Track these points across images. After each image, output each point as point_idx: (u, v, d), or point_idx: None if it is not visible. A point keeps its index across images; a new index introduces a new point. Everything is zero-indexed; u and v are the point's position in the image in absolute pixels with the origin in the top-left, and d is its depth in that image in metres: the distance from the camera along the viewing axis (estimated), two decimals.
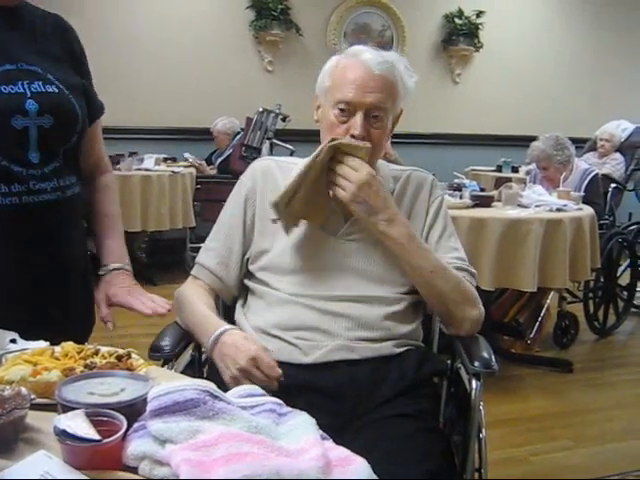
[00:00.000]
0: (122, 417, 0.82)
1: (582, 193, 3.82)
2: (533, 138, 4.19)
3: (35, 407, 0.90)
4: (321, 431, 0.91)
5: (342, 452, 0.87)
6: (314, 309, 1.41)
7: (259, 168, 1.58)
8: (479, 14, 6.56)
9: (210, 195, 5.04)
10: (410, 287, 1.47)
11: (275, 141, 4.83)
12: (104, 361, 1.05)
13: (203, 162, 5.73)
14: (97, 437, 0.78)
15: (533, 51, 6.93)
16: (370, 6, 6.45)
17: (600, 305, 4.17)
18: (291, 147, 4.65)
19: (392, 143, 3.41)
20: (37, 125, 1.29)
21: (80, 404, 0.85)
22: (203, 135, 5.82)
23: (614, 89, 7.08)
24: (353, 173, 1.36)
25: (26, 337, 1.15)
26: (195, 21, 5.95)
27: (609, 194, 4.71)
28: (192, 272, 1.57)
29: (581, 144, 5.25)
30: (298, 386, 1.30)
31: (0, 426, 0.82)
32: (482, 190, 3.76)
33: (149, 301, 1.39)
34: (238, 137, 5.53)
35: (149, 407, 0.85)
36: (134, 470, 0.81)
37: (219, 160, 5.72)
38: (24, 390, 0.88)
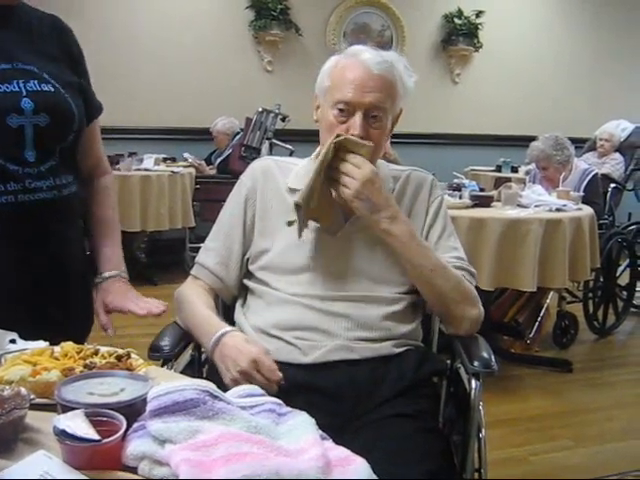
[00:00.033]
0: (122, 417, 0.82)
1: (581, 193, 3.82)
2: (533, 138, 4.19)
3: (34, 407, 0.90)
4: (321, 431, 0.91)
5: (342, 452, 0.87)
6: (314, 309, 1.41)
7: (259, 168, 1.58)
8: (479, 14, 6.56)
9: (209, 195, 5.04)
10: (409, 287, 1.47)
11: (274, 141, 4.83)
12: (104, 361, 1.05)
13: (202, 162, 5.74)
14: (96, 437, 0.78)
15: (533, 51, 6.93)
16: (369, 6, 6.46)
17: (599, 305, 4.17)
18: (291, 147, 4.65)
19: (392, 143, 3.42)
20: (33, 124, 1.29)
21: (80, 404, 0.85)
22: (203, 135, 5.83)
23: (614, 89, 7.09)
24: (356, 170, 1.37)
25: (26, 337, 1.15)
26: (195, 21, 5.95)
27: (608, 194, 4.71)
28: (192, 272, 1.57)
29: (581, 144, 5.25)
30: (297, 386, 1.30)
31: (0, 426, 0.82)
32: (482, 190, 3.76)
33: (144, 303, 1.39)
34: (238, 137, 5.53)
35: (149, 407, 0.85)
36: (134, 470, 0.81)
37: (218, 160, 5.72)
38: (24, 390, 0.88)
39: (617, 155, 5.21)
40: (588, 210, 3.50)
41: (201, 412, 0.85)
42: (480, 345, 1.44)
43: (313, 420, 0.93)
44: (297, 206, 1.38)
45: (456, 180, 3.89)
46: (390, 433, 1.27)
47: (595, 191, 4.02)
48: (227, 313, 1.57)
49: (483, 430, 1.39)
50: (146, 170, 4.90)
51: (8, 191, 1.27)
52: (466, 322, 1.48)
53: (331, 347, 1.37)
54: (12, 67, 1.29)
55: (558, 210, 3.31)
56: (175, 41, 5.88)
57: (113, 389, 0.91)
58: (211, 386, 0.90)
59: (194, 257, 1.60)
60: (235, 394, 0.97)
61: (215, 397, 0.88)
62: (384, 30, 6.53)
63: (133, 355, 1.10)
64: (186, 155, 5.70)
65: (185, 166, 5.45)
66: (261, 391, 1.01)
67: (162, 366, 1.35)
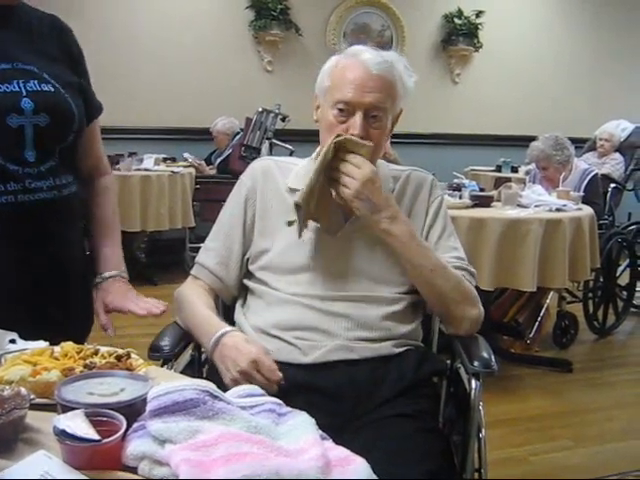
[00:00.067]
0: (121, 417, 0.82)
1: (581, 193, 3.82)
2: (532, 138, 4.19)
3: (35, 407, 0.90)
4: (320, 431, 0.91)
5: (342, 452, 0.87)
6: (314, 309, 1.41)
7: (259, 168, 1.58)
8: (478, 14, 6.56)
9: (209, 195, 5.04)
10: (409, 287, 1.47)
11: (274, 141, 4.83)
12: (103, 361, 1.05)
13: (202, 162, 5.73)
14: (96, 437, 0.78)
15: (533, 51, 6.93)
16: (369, 6, 6.46)
17: (599, 305, 4.17)
18: (290, 147, 4.65)
19: (392, 143, 3.42)
20: (33, 124, 1.29)
21: (79, 404, 0.85)
22: (203, 135, 5.83)
23: (614, 89, 7.09)
24: (356, 170, 1.37)
25: (26, 337, 1.15)
26: (195, 21, 5.95)
27: (608, 194, 4.71)
28: (192, 272, 1.57)
29: (580, 144, 5.25)
30: (297, 386, 1.30)
31: (0, 426, 0.82)
32: (482, 190, 3.76)
33: (144, 303, 1.39)
34: (238, 137, 5.53)
35: (149, 407, 0.85)
36: (134, 470, 0.81)
37: (218, 160, 5.72)
38: (24, 390, 0.88)
39: (617, 155, 5.21)
40: (588, 210, 3.50)
41: (201, 412, 0.85)
42: (480, 345, 1.44)
43: (313, 420, 0.93)
44: (297, 206, 1.38)
45: (456, 180, 3.89)
46: (390, 433, 1.27)
47: (595, 191, 4.02)
48: (227, 313, 1.57)
49: (483, 430, 1.39)
50: (146, 170, 4.90)
51: (8, 191, 1.27)
52: (466, 322, 1.48)
53: (331, 347, 1.37)
54: (12, 67, 1.29)
55: (558, 210, 3.31)
56: (175, 41, 5.89)
57: (113, 389, 0.91)
58: (211, 386, 0.90)
59: (194, 257, 1.60)
60: (235, 394, 0.97)
61: (215, 397, 0.88)
62: (384, 30, 6.53)
63: (133, 355, 1.10)
64: (186, 155, 5.70)
65: (185, 166, 5.45)
66: (261, 391, 1.01)
67: (162, 366, 1.35)
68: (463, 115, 6.73)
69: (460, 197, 3.47)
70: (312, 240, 1.46)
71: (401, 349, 1.42)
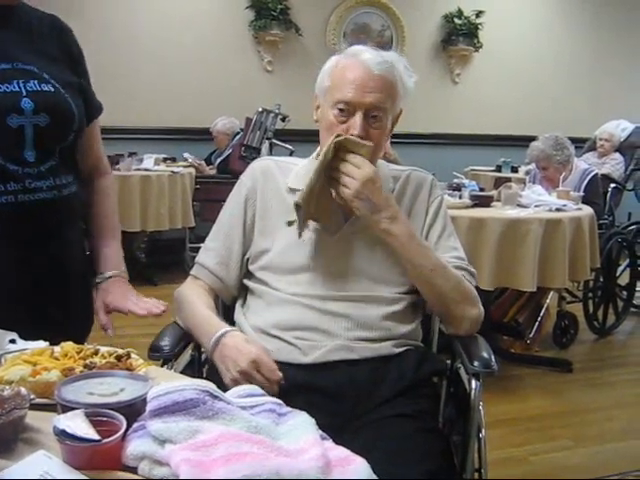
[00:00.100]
0: (121, 417, 0.82)
1: (581, 193, 3.82)
2: (532, 138, 4.19)
3: (34, 407, 0.90)
4: (321, 431, 0.91)
5: (342, 452, 0.87)
6: (314, 309, 1.41)
7: (259, 168, 1.58)
8: (478, 14, 6.56)
9: (209, 195, 5.04)
10: (409, 287, 1.47)
11: (274, 141, 4.83)
12: (103, 361, 1.05)
13: (202, 162, 5.74)
14: (96, 437, 0.78)
15: (533, 51, 6.93)
16: (370, 6, 6.46)
17: (599, 305, 4.17)
18: (290, 147, 4.65)
19: (391, 143, 3.42)
20: (33, 124, 1.29)
21: (79, 404, 0.85)
22: (203, 135, 5.83)
23: (614, 89, 7.09)
24: (356, 170, 1.37)
25: (26, 337, 1.15)
26: (195, 21, 5.95)
27: (608, 194, 4.71)
28: (192, 272, 1.57)
29: (580, 144, 5.25)
30: (297, 386, 1.30)
31: (0, 426, 0.82)
32: (481, 190, 3.76)
33: (144, 303, 1.39)
34: (238, 137, 5.53)
35: (148, 407, 0.85)
36: (133, 470, 0.81)
37: (218, 160, 5.72)
38: (23, 390, 0.88)
39: (617, 155, 5.21)
40: (588, 210, 3.50)
41: (201, 412, 0.85)
42: (480, 345, 1.44)
43: (313, 420, 0.93)
44: (297, 206, 1.38)
45: (456, 180, 3.89)
46: (390, 433, 1.27)
47: (595, 191, 4.02)
48: (227, 313, 1.57)
49: (483, 430, 1.39)
50: (146, 170, 4.90)
51: (8, 191, 1.27)
52: (466, 322, 1.48)
53: (331, 347, 1.37)
54: (12, 67, 1.29)
55: (558, 210, 3.31)
56: (175, 41, 5.89)
57: (113, 389, 0.91)
58: (211, 386, 0.90)
59: (194, 257, 1.60)
60: (235, 394, 0.97)
61: (215, 397, 0.88)
62: (384, 30, 6.53)
63: (133, 355, 1.10)
64: (186, 155, 5.70)
65: (185, 166, 5.45)
66: (261, 391, 1.01)
67: (162, 366, 1.35)
68: (463, 115, 6.73)
69: (460, 197, 3.47)
70: (312, 240, 1.46)
71: (401, 349, 1.42)
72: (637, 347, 4.21)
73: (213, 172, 5.69)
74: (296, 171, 1.56)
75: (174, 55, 5.88)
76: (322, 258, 1.46)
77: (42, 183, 1.31)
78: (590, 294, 4.07)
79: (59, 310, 1.37)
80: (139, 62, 5.78)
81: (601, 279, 4.13)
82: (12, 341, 1.14)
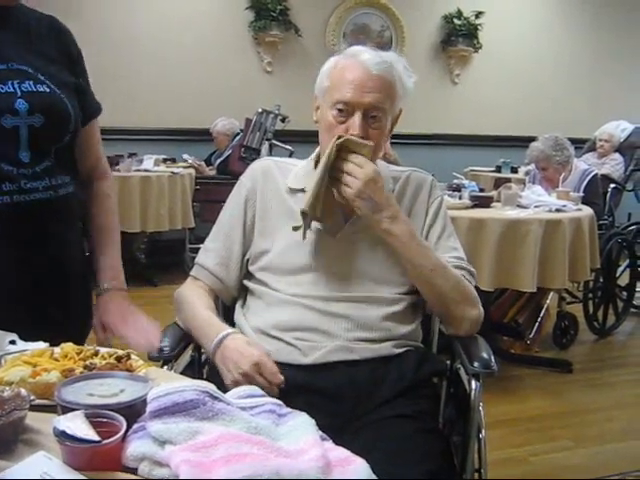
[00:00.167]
0: (121, 418, 0.82)
1: (581, 193, 3.82)
2: (532, 139, 4.20)
3: (34, 408, 0.90)
4: (320, 432, 0.91)
5: (342, 453, 0.87)
6: (313, 310, 1.41)
7: (259, 169, 1.58)
8: (478, 15, 6.56)
9: (209, 196, 5.04)
10: (409, 287, 1.47)
11: (274, 142, 4.84)
12: (103, 362, 1.05)
13: (202, 163, 5.74)
14: (97, 438, 0.78)
15: (532, 52, 6.93)
16: (369, 7, 6.46)
17: (599, 305, 4.17)
18: (290, 148, 4.65)
19: (391, 144, 3.42)
20: (27, 124, 1.29)
21: (79, 405, 0.85)
22: (202, 136, 5.83)
23: (613, 89, 7.09)
24: (358, 169, 1.37)
25: (26, 337, 1.15)
26: (195, 21, 5.95)
27: (608, 194, 4.71)
28: (192, 273, 1.57)
29: (580, 144, 5.25)
30: (297, 387, 1.30)
31: (0, 427, 0.82)
32: (481, 190, 3.76)
33: (142, 327, 1.38)
34: (237, 138, 5.53)
35: (149, 408, 0.85)
36: (133, 471, 0.81)
37: (218, 161, 5.72)
38: (23, 391, 0.88)
39: (617, 155, 5.21)
40: (588, 210, 3.50)
41: (201, 413, 0.85)
42: (480, 345, 1.44)
43: (313, 421, 0.93)
44: (303, 214, 1.38)
45: (456, 180, 3.89)
46: (390, 434, 1.27)
47: (595, 191, 4.02)
48: (227, 314, 1.57)
49: (483, 430, 1.39)
50: (146, 171, 4.90)
51: (3, 192, 1.27)
52: (466, 322, 1.48)
53: (331, 348, 1.37)
54: (7, 68, 1.29)
55: (558, 211, 3.31)
56: (175, 42, 5.89)
57: (113, 390, 0.91)
58: (211, 387, 0.90)
59: (194, 258, 1.60)
60: (235, 395, 0.97)
61: (215, 398, 0.88)
62: (384, 31, 6.54)
63: (133, 356, 1.10)
64: (185, 156, 5.71)
65: (185, 167, 5.45)
66: (261, 392, 1.01)
67: (162, 367, 1.35)
68: (463, 116, 6.73)
69: (460, 197, 3.47)
70: (312, 241, 1.46)
71: (401, 350, 1.42)
72: (637, 347, 4.21)
73: (213, 173, 5.69)
74: (295, 172, 1.57)
75: (174, 56, 5.88)
76: (323, 259, 1.46)
77: (38, 184, 1.31)
78: (590, 295, 4.07)
79: (59, 310, 1.37)
80: (139, 63, 5.79)
81: (601, 279, 4.13)
82: (12, 342, 1.14)
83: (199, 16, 5.97)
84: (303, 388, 1.32)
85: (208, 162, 5.85)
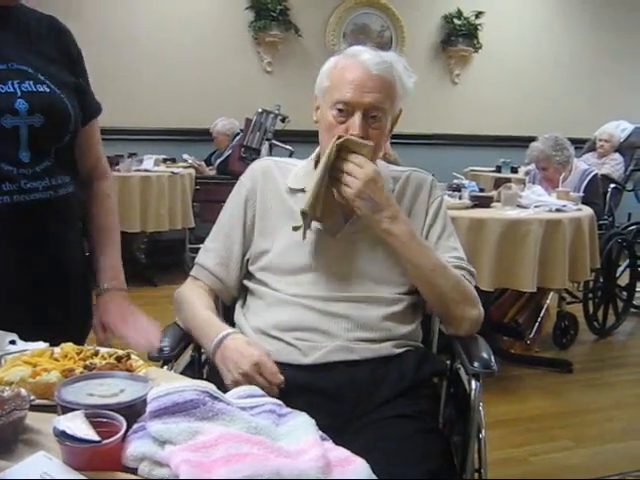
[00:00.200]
0: (121, 418, 0.82)
1: (581, 193, 3.82)
2: (532, 139, 4.20)
3: (34, 408, 0.90)
4: (321, 432, 0.91)
5: (342, 453, 0.87)
6: (313, 310, 1.41)
7: (259, 168, 1.58)
8: (478, 15, 6.56)
9: (209, 196, 5.04)
10: (409, 287, 1.47)
11: (274, 142, 4.84)
12: (103, 362, 1.05)
13: (203, 163, 5.74)
14: (97, 438, 0.78)
15: (532, 52, 6.93)
16: (369, 7, 6.46)
17: (599, 305, 4.17)
18: (290, 148, 4.65)
19: (391, 144, 3.42)
20: (27, 124, 1.29)
21: (79, 405, 0.85)
22: (202, 136, 5.83)
23: (613, 89, 7.09)
24: (358, 169, 1.37)
25: (26, 337, 1.15)
26: (194, 21, 5.95)
27: (608, 194, 4.71)
28: (192, 273, 1.57)
29: (580, 144, 5.25)
30: (298, 387, 1.30)
31: (0, 427, 0.82)
32: (481, 190, 3.76)
33: (142, 327, 1.38)
34: (237, 138, 5.53)
35: (149, 408, 0.85)
36: (134, 471, 0.81)
37: (218, 161, 5.72)
38: (23, 391, 0.88)
39: (617, 155, 5.21)
40: (588, 210, 3.50)
41: (201, 413, 0.85)
42: (480, 345, 1.44)
43: (313, 421, 0.93)
44: (303, 214, 1.38)
45: (456, 180, 3.89)
46: (390, 433, 1.27)
47: (595, 191, 4.02)
48: (227, 314, 1.57)
49: (483, 430, 1.39)
50: (146, 171, 4.90)
51: (3, 192, 1.27)
52: (466, 322, 1.48)
53: (331, 348, 1.37)
54: (7, 68, 1.29)
55: (558, 210, 3.31)
56: (175, 42, 5.89)
57: (113, 390, 0.91)
58: (211, 387, 0.90)
59: (194, 258, 1.60)
60: (235, 395, 0.97)
61: (215, 398, 0.88)
62: (384, 31, 6.54)
63: (133, 356, 1.10)
64: (185, 156, 5.71)
65: (185, 167, 5.45)
66: (261, 392, 1.01)
67: (162, 367, 1.35)
68: (463, 116, 6.73)
69: (460, 197, 3.47)
70: (312, 241, 1.46)
71: (401, 350, 1.42)
72: (637, 347, 4.21)
73: (213, 173, 5.69)
74: (295, 172, 1.57)
75: (174, 56, 5.88)
76: (323, 259, 1.46)
77: (38, 184, 1.31)
78: (590, 295, 4.07)
79: (59, 310, 1.37)
80: (139, 63, 5.79)
81: (601, 279, 4.13)
82: (12, 342, 1.14)
83: (199, 16, 5.97)
84: (303, 388, 1.31)
85: (208, 162, 5.85)
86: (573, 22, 7.08)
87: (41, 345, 1.13)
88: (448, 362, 1.57)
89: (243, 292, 1.55)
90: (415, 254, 1.42)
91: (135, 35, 5.79)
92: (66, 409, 0.84)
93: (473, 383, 1.37)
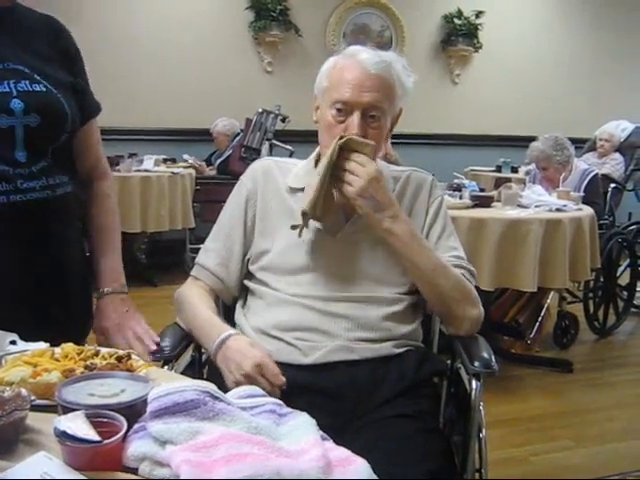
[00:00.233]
0: (122, 418, 0.82)
1: (582, 193, 3.82)
2: (532, 138, 4.20)
3: (35, 408, 0.90)
4: (321, 432, 0.91)
5: (342, 452, 0.87)
6: (314, 310, 1.41)
7: (260, 168, 1.58)
8: (478, 14, 6.56)
9: (210, 196, 5.04)
10: (410, 287, 1.47)
11: (274, 142, 4.84)
12: (104, 362, 1.05)
13: (203, 163, 5.74)
14: (97, 438, 0.78)
15: (532, 51, 6.93)
16: (369, 7, 6.46)
17: (600, 305, 4.17)
18: (290, 148, 4.65)
19: (391, 144, 3.41)
20: (23, 124, 1.29)
21: (80, 405, 0.85)
22: (203, 136, 5.83)
23: (613, 89, 7.09)
24: (360, 168, 1.37)
25: (27, 337, 1.15)
26: (195, 21, 5.95)
27: (609, 194, 4.71)
28: (192, 273, 1.57)
29: (580, 144, 5.25)
30: (298, 387, 1.30)
31: (0, 427, 0.82)
32: (482, 190, 3.76)
33: (141, 329, 1.38)
34: (238, 138, 5.53)
35: (149, 408, 0.85)
36: (134, 471, 0.81)
37: (218, 161, 5.72)
38: (24, 391, 0.88)
39: (617, 155, 5.21)
40: (588, 210, 3.50)
41: (202, 413, 0.85)
42: (480, 345, 1.44)
43: (314, 421, 0.93)
44: (304, 214, 1.38)
45: (456, 180, 3.89)
46: (391, 433, 1.27)
47: (595, 191, 4.02)
48: (227, 314, 1.57)
49: (484, 430, 1.38)
50: (146, 171, 4.90)
51: (0, 192, 1.27)
52: (466, 322, 1.48)
53: (331, 348, 1.37)
54: (3, 67, 1.29)
55: (558, 210, 3.31)
56: (175, 42, 5.89)
57: (113, 390, 0.91)
58: (211, 387, 0.90)
59: (194, 258, 1.60)
60: (236, 395, 0.97)
61: (215, 398, 0.88)
62: (384, 30, 6.54)
63: (133, 356, 1.11)
64: (185, 156, 5.71)
65: (185, 167, 5.45)
66: (262, 392, 1.01)
67: (162, 367, 1.35)
68: (463, 115, 6.73)
69: (460, 197, 3.47)
70: (312, 241, 1.46)
71: (401, 349, 1.42)
72: (637, 347, 4.21)
73: (213, 173, 5.70)
74: (295, 172, 1.57)
75: (174, 56, 5.88)
76: (323, 259, 1.46)
77: (34, 183, 1.31)
78: (591, 294, 4.07)
79: (61, 310, 1.37)
80: (139, 63, 5.79)
81: (601, 279, 4.13)
82: (12, 342, 1.14)
83: (199, 16, 5.97)
84: (303, 388, 1.31)
85: (208, 162, 5.85)
86: (573, 22, 7.08)
87: (42, 345, 1.13)
88: (448, 362, 1.57)
89: (243, 292, 1.55)
90: (416, 254, 1.42)
91: (135, 35, 5.79)
92: (67, 409, 0.84)
93: (474, 383, 1.37)
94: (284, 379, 1.28)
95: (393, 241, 1.41)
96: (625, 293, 4.40)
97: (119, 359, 1.07)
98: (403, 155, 3.85)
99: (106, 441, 0.78)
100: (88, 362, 1.04)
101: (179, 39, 5.89)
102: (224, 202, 1.60)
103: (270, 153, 4.69)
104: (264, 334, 1.42)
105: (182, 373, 1.41)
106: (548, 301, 3.86)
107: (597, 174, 4.11)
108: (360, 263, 1.46)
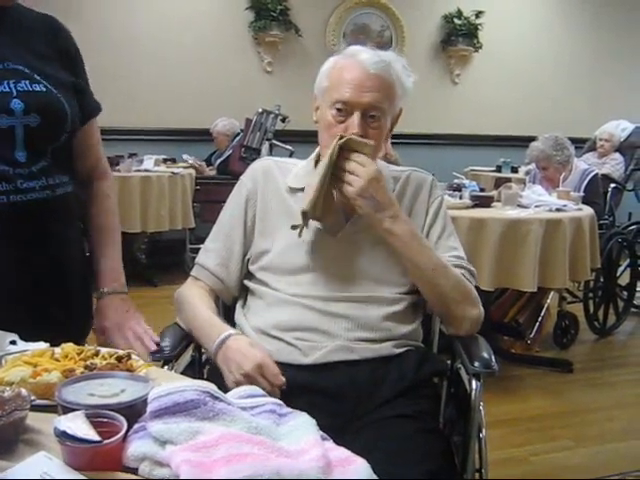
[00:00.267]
0: (122, 418, 0.82)
1: (582, 193, 3.82)
2: (532, 138, 4.20)
3: (35, 408, 0.90)
4: (321, 432, 0.91)
5: (342, 453, 0.87)
6: (314, 310, 1.41)
7: (260, 168, 1.58)
8: (478, 14, 6.56)
9: (210, 196, 5.04)
10: (410, 287, 1.47)
11: (274, 142, 4.84)
12: (104, 362, 1.05)
13: (203, 163, 5.74)
14: (97, 438, 0.78)
15: (532, 51, 6.93)
16: (369, 7, 6.46)
17: (600, 305, 4.17)
18: (290, 148, 4.65)
19: (391, 144, 3.41)
20: (23, 124, 1.29)
21: (80, 405, 0.85)
22: (203, 136, 5.83)
23: (613, 89, 7.09)
24: (361, 168, 1.37)
25: (27, 337, 1.15)
26: (195, 21, 5.95)
27: (609, 194, 4.72)
28: (192, 273, 1.57)
29: (580, 144, 5.25)
30: (298, 387, 1.30)
31: (0, 427, 0.82)
32: (482, 190, 3.76)
33: (141, 329, 1.38)
34: (238, 138, 5.53)
35: (149, 408, 0.85)
36: (134, 471, 0.81)
37: (218, 161, 5.72)
38: (24, 391, 0.88)
39: (617, 155, 5.21)
40: (588, 210, 3.50)
41: (202, 413, 0.85)
42: (480, 345, 1.44)
43: (314, 421, 0.93)
44: (304, 214, 1.38)
45: (456, 180, 3.89)
46: (390, 433, 1.27)
47: (595, 191, 4.02)
48: (227, 314, 1.57)
49: (484, 430, 1.39)
50: (146, 171, 4.90)
51: (0, 192, 1.27)
52: (467, 322, 1.48)
53: (331, 348, 1.37)
54: (3, 67, 1.29)
55: (558, 210, 3.31)
56: (175, 42, 5.89)
57: (114, 390, 0.91)
58: (211, 387, 0.90)
59: (194, 258, 1.60)
60: (236, 395, 0.97)
61: (215, 398, 0.88)
62: (384, 30, 6.54)
63: (134, 356, 1.10)
64: (185, 156, 5.71)
65: (185, 167, 5.45)
66: (262, 392, 1.01)
67: (163, 367, 1.35)
68: (463, 115, 6.73)
69: (460, 197, 3.47)
70: (312, 241, 1.46)
71: (401, 349, 1.42)
72: (637, 347, 4.21)
73: (213, 173, 5.70)
74: (295, 172, 1.57)
75: (174, 56, 5.88)
76: (323, 259, 1.46)
77: (34, 183, 1.31)
78: (591, 294, 4.07)
79: (60, 310, 1.37)
80: (139, 63, 5.79)
81: (601, 279, 4.13)
82: (12, 342, 1.14)
83: (199, 16, 5.97)
84: (304, 388, 1.31)
85: (208, 162, 5.85)
86: (573, 22, 7.08)
87: (42, 345, 1.13)
88: (448, 362, 1.57)
89: (244, 292, 1.55)
90: (416, 254, 1.42)
91: (135, 35, 5.79)
92: (67, 409, 0.84)
93: (474, 383, 1.37)
94: (284, 379, 1.28)
95: (393, 241, 1.41)
96: (625, 293, 4.40)
97: (119, 359, 1.07)
98: (403, 155, 3.85)
99: (106, 441, 0.78)
100: (88, 362, 1.04)
101: (179, 39, 5.89)
102: (224, 202, 1.60)
103: (270, 153, 4.69)
104: (264, 334, 1.42)
105: (182, 373, 1.41)
106: (548, 301, 3.86)
107: (597, 174, 4.11)
108: (360, 263, 1.46)
